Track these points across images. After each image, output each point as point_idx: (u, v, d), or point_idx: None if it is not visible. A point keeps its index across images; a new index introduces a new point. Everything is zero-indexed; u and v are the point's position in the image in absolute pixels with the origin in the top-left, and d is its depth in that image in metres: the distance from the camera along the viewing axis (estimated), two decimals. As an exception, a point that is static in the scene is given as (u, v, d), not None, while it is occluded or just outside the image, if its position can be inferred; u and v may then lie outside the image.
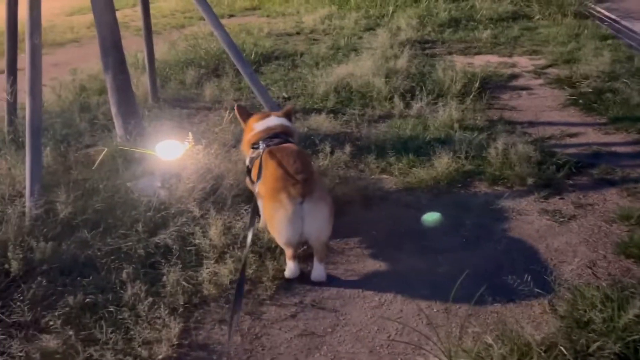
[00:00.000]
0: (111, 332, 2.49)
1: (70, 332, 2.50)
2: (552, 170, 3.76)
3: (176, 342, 2.51)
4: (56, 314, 2.61)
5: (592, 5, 8.21)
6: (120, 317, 2.61)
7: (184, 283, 2.82)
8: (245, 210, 3.35)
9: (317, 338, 2.56)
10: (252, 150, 3.27)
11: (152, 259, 3.03)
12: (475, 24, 7.96)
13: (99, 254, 3.05)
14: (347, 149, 4.14)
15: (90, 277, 2.89)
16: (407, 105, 5.03)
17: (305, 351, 2.48)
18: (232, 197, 3.50)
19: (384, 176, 3.95)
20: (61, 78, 6.06)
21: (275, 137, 3.23)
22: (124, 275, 2.83)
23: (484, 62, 6.31)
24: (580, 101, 4.99)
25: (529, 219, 3.37)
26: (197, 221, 3.27)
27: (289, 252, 2.88)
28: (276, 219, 2.79)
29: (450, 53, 6.81)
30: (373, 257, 3.11)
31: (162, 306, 2.65)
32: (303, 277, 2.93)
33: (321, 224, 2.81)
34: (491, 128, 4.51)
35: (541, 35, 7.21)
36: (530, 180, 3.68)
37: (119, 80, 4.13)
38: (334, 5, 9.73)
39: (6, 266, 2.91)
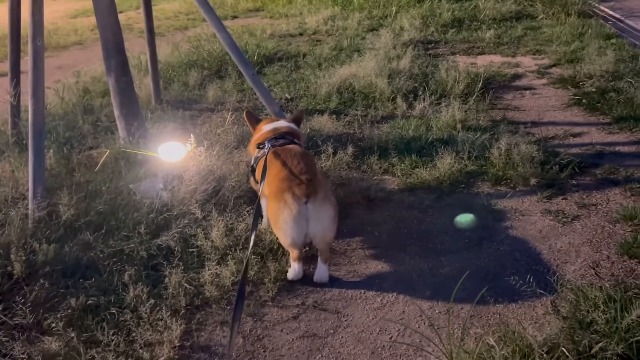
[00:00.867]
0: (113, 334, 2.50)
1: (72, 334, 2.51)
2: (556, 170, 3.74)
3: (178, 344, 2.51)
4: (58, 316, 2.61)
5: (596, 5, 8.19)
6: (122, 319, 2.61)
7: (185, 285, 2.82)
8: (248, 211, 3.35)
9: (318, 339, 2.55)
10: (257, 150, 3.29)
11: (154, 261, 3.04)
12: (479, 24, 7.95)
13: (101, 256, 3.06)
14: (350, 149, 4.14)
15: (93, 279, 2.89)
16: (410, 106, 5.02)
17: (307, 353, 2.48)
18: (234, 199, 3.50)
19: (387, 177, 3.94)
20: (64, 80, 6.09)
21: (281, 137, 3.25)
22: (126, 277, 2.83)
23: (487, 62, 6.30)
24: (584, 101, 4.97)
25: (532, 219, 3.35)
26: (199, 223, 3.27)
27: (294, 253, 2.87)
28: (281, 220, 2.78)
29: (453, 53, 6.80)
30: (375, 258, 3.10)
31: (163, 308, 2.65)
32: (305, 278, 2.93)
33: (326, 225, 2.81)
34: (494, 128, 4.50)
35: (545, 35, 7.19)
36: (533, 181, 3.66)
37: (121, 82, 4.15)
38: (337, 6, 9.75)
39: (9, 268, 2.92)
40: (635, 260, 2.88)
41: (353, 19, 8.60)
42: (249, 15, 10.29)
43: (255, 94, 4.88)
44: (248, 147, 3.58)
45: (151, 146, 4.03)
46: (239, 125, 4.70)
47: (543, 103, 5.12)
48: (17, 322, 2.62)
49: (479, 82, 5.30)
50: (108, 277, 2.92)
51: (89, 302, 2.72)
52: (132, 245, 3.12)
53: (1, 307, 2.70)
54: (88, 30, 9.40)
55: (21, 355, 2.44)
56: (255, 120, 3.54)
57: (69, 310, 2.66)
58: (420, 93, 5.15)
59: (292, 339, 2.56)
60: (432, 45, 7.17)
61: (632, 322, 2.23)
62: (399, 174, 3.92)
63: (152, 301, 2.68)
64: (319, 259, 2.90)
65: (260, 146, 3.24)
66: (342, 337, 2.56)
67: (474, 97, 5.07)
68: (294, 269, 2.90)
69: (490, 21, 8.03)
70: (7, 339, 2.53)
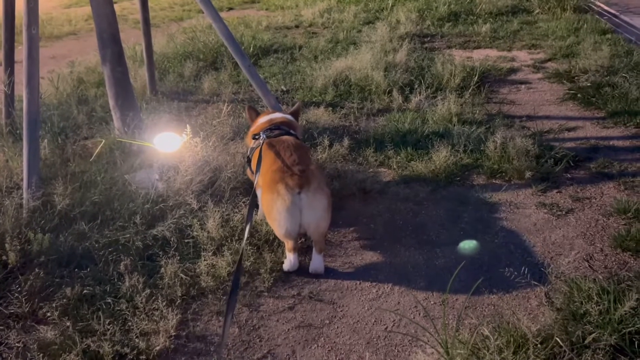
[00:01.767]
0: (109, 324, 2.50)
1: (68, 324, 2.51)
2: (550, 164, 3.76)
3: (174, 334, 2.51)
4: (54, 305, 2.61)
5: (592, 0, 8.20)
6: (118, 308, 2.61)
7: (181, 275, 2.82)
8: (244, 202, 3.35)
9: (314, 330, 2.56)
10: (253, 141, 3.29)
11: (150, 251, 3.03)
12: (475, 17, 7.95)
13: (96, 245, 3.05)
14: (346, 142, 4.14)
15: (88, 269, 2.89)
16: (406, 99, 5.02)
17: (303, 343, 2.49)
18: (230, 190, 3.50)
19: (382, 169, 3.95)
20: (59, 70, 6.04)
21: (276, 128, 3.25)
22: (122, 267, 2.83)
23: (483, 56, 6.30)
24: (579, 95, 4.99)
25: (527, 212, 3.37)
26: (195, 213, 3.27)
27: (288, 244, 2.88)
28: (275, 210, 2.79)
29: (449, 47, 6.80)
30: (371, 249, 3.11)
31: (159, 298, 2.65)
32: (301, 269, 2.93)
33: (320, 215, 2.82)
34: (490, 122, 4.51)
35: (540, 30, 7.20)
36: (528, 174, 3.68)
37: (117, 72, 4.12)
38: (333, -1, 9.70)
39: (4, 258, 2.91)
40: (628, 253, 2.91)
41: (349, 11, 8.58)
42: (244, 7, 10.23)
43: (251, 85, 4.87)
44: (245, 139, 3.60)
45: (146, 137, 4.01)
46: (234, 117, 4.69)
47: (538, 97, 5.14)
48: (12, 311, 2.62)
49: (475, 76, 5.31)
50: (103, 266, 2.92)
51: (85, 291, 2.72)
52: (128, 235, 3.12)
53: (-4, 296, 2.70)
54: (82, 21, 9.32)
55: (16, 344, 2.45)
56: (255, 114, 3.61)
57: (64, 300, 2.66)
58: (416, 86, 5.15)
59: (288, 329, 2.57)
60: (428, 38, 7.17)
61: (625, 314, 2.25)
62: (394, 166, 3.93)
63: (148, 291, 2.69)
64: (314, 249, 2.91)
65: (256, 137, 3.25)
66: (337, 327, 2.57)
67: (469, 90, 5.08)
68: (289, 260, 2.91)
69: (486, 15, 8.03)
70: (2, 327, 2.54)
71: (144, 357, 2.37)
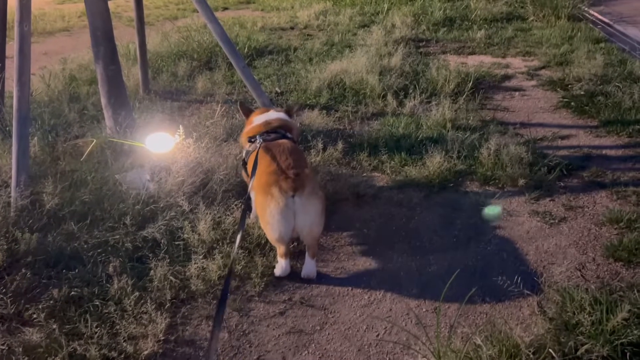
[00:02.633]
0: (96, 327, 2.46)
1: (54, 326, 2.46)
2: (544, 172, 3.76)
3: (162, 338, 2.48)
4: (40, 306, 2.56)
5: (586, 9, 8.24)
6: (106, 311, 2.57)
7: (171, 278, 2.78)
8: (236, 205, 3.32)
9: (305, 336, 2.54)
10: (249, 143, 3.26)
11: (140, 253, 2.99)
12: (470, 23, 7.96)
13: (85, 246, 3.01)
14: (340, 145, 4.12)
15: (76, 270, 2.85)
16: (401, 104, 5.01)
17: (293, 349, 2.46)
18: (222, 192, 3.47)
19: (376, 174, 3.93)
20: (51, 67, 5.98)
21: (273, 132, 3.23)
22: (111, 268, 2.79)
23: (478, 62, 6.31)
24: (573, 103, 5.00)
25: (520, 220, 3.37)
26: (186, 215, 3.23)
27: (280, 249, 2.85)
28: (268, 213, 2.76)
29: (444, 52, 6.80)
30: (363, 255, 3.09)
31: (148, 301, 2.62)
32: (292, 274, 2.90)
33: (313, 218, 2.79)
34: (484, 128, 4.51)
35: (535, 37, 7.22)
36: (521, 181, 3.68)
37: (110, 70, 4.07)
38: (328, 1, 9.70)
39: (-10, 257, 2.86)
40: (620, 262, 2.91)
41: (345, 14, 8.57)
42: (240, 7, 10.20)
43: (245, 86, 4.84)
44: (240, 139, 3.57)
45: (138, 136, 3.97)
46: (228, 118, 4.65)
47: (532, 104, 5.14)
48: (-3, 312, 2.57)
49: (469, 81, 5.31)
50: (92, 268, 2.87)
51: (72, 293, 2.68)
52: (117, 236, 3.07)
53: (-19, 296, 2.65)
54: (75, 17, 9.25)
55: (1, 346, 2.40)
56: (249, 112, 3.57)
57: (51, 301, 2.62)
58: (410, 91, 5.15)
59: (279, 335, 2.54)
60: (424, 43, 7.17)
61: (617, 325, 2.25)
62: (388, 171, 3.92)
63: (136, 294, 2.65)
64: (307, 254, 2.89)
65: (252, 140, 3.21)
66: (328, 333, 2.55)
67: (464, 96, 5.08)
68: (281, 265, 2.88)
69: (481, 21, 8.05)
70: (-14, 329, 2.48)
71: (131, 361, 2.34)
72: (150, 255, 2.94)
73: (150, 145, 3.78)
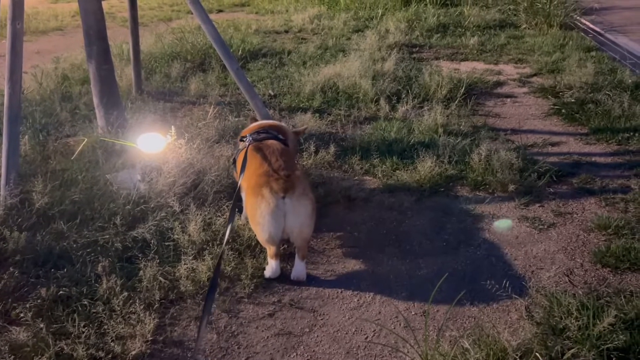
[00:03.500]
0: (84, 326, 2.44)
1: (42, 325, 2.44)
2: (534, 178, 3.79)
3: (150, 338, 2.46)
4: (27, 305, 2.54)
5: (578, 17, 8.33)
6: (94, 311, 2.56)
7: (160, 278, 2.77)
8: (227, 206, 3.32)
9: (294, 338, 2.53)
10: (240, 142, 3.29)
11: (129, 253, 2.98)
12: (463, 30, 8.02)
13: (74, 246, 2.99)
14: (332, 149, 4.13)
15: (65, 270, 2.83)
16: (393, 108, 5.04)
17: (282, 351, 2.46)
18: (213, 193, 3.46)
19: (367, 178, 3.94)
20: (43, 66, 5.96)
21: (264, 132, 3.25)
22: (100, 268, 2.77)
23: (470, 68, 6.35)
24: (563, 111, 5.05)
25: (513, 227, 3.38)
26: (177, 216, 3.23)
27: (271, 249, 2.85)
28: (258, 214, 2.76)
29: (437, 58, 6.84)
30: (353, 258, 3.10)
31: (137, 301, 2.60)
32: (282, 276, 2.90)
33: (303, 220, 2.80)
34: (475, 134, 4.54)
35: (527, 45, 7.29)
36: (511, 187, 3.70)
37: (102, 70, 4.07)
38: (323, 6, 9.74)
39: (-23, 255, 2.84)
40: (608, 268, 2.93)
41: (339, 19, 8.61)
42: (234, 9, 10.22)
43: (238, 88, 4.84)
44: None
45: (130, 136, 3.96)
46: (220, 120, 4.65)
47: (523, 111, 5.19)
48: (-17, 310, 2.55)
49: (462, 87, 5.34)
50: (81, 267, 2.86)
51: (60, 292, 2.66)
52: (107, 236, 3.06)
53: (-32, 295, 2.63)
54: (69, 16, 9.22)
55: (-13, 345, 2.37)
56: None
57: (39, 301, 2.60)
58: (403, 96, 5.17)
59: (267, 337, 2.54)
60: (417, 49, 7.21)
61: (604, 330, 2.27)
62: (379, 175, 3.93)
63: (125, 294, 2.63)
64: (297, 256, 2.89)
65: (243, 139, 3.24)
66: (317, 336, 2.55)
67: (456, 102, 5.11)
68: (271, 267, 2.88)
69: (474, 28, 8.12)
70: (-28, 328, 2.46)
71: (119, 361, 2.33)
72: (139, 255, 2.93)
73: (141, 146, 3.77)
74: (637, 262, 2.91)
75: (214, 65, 6.01)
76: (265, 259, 2.95)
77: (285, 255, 3.04)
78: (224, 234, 3.08)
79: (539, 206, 3.57)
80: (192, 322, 2.61)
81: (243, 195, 3.00)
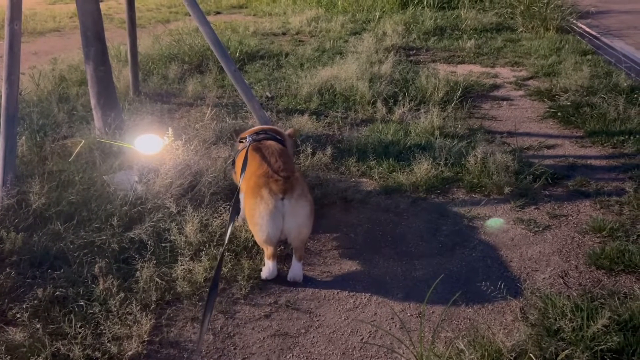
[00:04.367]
0: (80, 327, 2.45)
1: (38, 325, 2.45)
2: (529, 181, 3.81)
3: (147, 339, 2.47)
4: (24, 306, 2.55)
5: (574, 21, 8.37)
6: (91, 311, 2.56)
7: (157, 279, 2.78)
8: (224, 207, 3.33)
9: (290, 339, 2.54)
10: (239, 144, 3.31)
11: (126, 254, 2.99)
12: (460, 33, 8.06)
13: (71, 247, 3.00)
14: (329, 150, 4.15)
15: (62, 270, 2.83)
16: (390, 111, 5.06)
17: (278, 352, 2.47)
18: (210, 195, 3.47)
19: (364, 180, 3.96)
20: (41, 67, 5.96)
21: (263, 133, 3.29)
22: (96, 269, 2.77)
23: (467, 71, 6.38)
24: (559, 114, 5.07)
25: (505, 227, 3.40)
26: (174, 217, 3.23)
27: (268, 250, 2.86)
28: (257, 214, 2.78)
29: (434, 61, 6.87)
30: (350, 259, 3.11)
31: (134, 302, 2.61)
32: (278, 277, 2.91)
33: (301, 221, 2.81)
34: (471, 136, 4.56)
35: (523, 48, 7.32)
36: (507, 189, 3.72)
37: (100, 71, 4.07)
38: (321, 8, 9.77)
39: (-26, 256, 2.84)
40: (602, 270, 2.95)
41: (337, 21, 8.63)
42: (232, 11, 10.24)
43: (235, 90, 4.85)
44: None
45: (127, 138, 3.97)
46: (218, 121, 4.66)
47: (519, 114, 5.21)
48: (-20, 311, 2.55)
49: (458, 90, 5.37)
50: (77, 268, 2.86)
51: (57, 293, 2.67)
52: (104, 237, 3.07)
53: (-36, 295, 2.63)
54: (66, 18, 9.22)
55: (-17, 346, 2.38)
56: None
57: (36, 301, 2.60)
58: (400, 98, 5.20)
59: (263, 338, 2.55)
60: (414, 51, 7.24)
61: (598, 331, 2.28)
62: (376, 177, 3.95)
63: (122, 295, 2.64)
64: (294, 257, 2.90)
65: (242, 140, 3.27)
66: (313, 337, 2.56)
67: (452, 105, 5.13)
68: (268, 268, 2.89)
69: (471, 31, 8.15)
70: (-31, 328, 2.46)
71: (115, 362, 2.33)
72: (136, 256, 2.93)
73: (139, 147, 3.78)
74: (631, 264, 2.93)
75: (211, 67, 6.03)
76: (261, 260, 2.96)
77: (282, 257, 3.05)
78: (221, 235, 3.10)
79: (535, 208, 3.59)
80: (188, 323, 2.61)
81: (241, 195, 3.01)
